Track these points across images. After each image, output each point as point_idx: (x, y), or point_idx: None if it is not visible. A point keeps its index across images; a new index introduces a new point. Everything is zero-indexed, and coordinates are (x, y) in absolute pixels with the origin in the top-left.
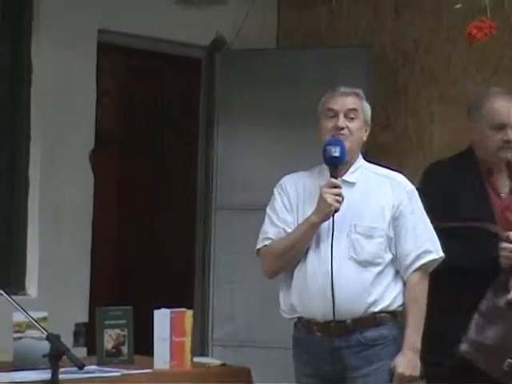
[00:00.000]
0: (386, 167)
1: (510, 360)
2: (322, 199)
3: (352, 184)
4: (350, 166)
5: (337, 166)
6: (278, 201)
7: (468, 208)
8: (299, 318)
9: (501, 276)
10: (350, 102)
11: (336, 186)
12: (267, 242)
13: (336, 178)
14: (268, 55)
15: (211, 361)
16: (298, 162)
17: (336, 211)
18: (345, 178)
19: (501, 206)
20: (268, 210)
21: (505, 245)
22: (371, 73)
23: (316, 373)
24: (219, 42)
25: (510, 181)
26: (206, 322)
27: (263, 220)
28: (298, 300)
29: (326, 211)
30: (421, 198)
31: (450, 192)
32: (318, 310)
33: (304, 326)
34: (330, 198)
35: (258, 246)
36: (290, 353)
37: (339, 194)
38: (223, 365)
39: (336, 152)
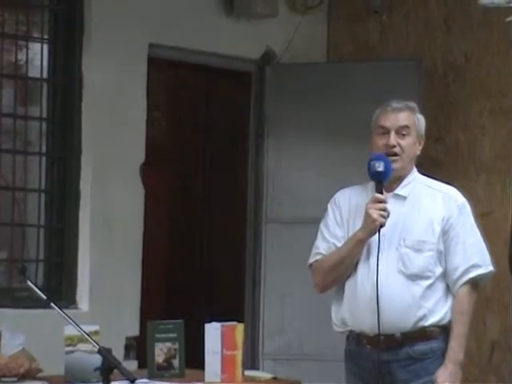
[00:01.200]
0: (439, 180)
1: None
2: (367, 215)
3: (403, 198)
4: (402, 180)
5: (381, 181)
6: (331, 216)
7: None
8: (350, 331)
9: None
10: (402, 118)
11: (381, 201)
12: (318, 257)
13: (381, 192)
14: (318, 69)
15: (262, 374)
16: (347, 176)
17: (382, 226)
18: (396, 191)
19: None
20: (321, 224)
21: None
22: (422, 86)
23: None
24: (269, 56)
25: None
26: (256, 335)
27: (313, 233)
28: (349, 313)
29: (372, 227)
30: None
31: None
32: (367, 322)
33: (354, 339)
34: (375, 214)
35: (310, 261)
36: (341, 366)
37: (384, 209)
38: (274, 378)
39: (380, 167)
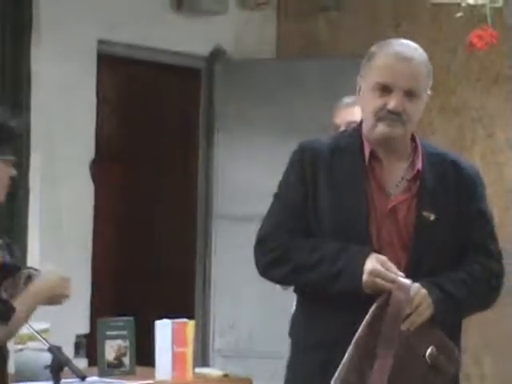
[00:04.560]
0: None
1: None
2: None
3: None
4: None
5: None
6: None
7: (333, 208)
8: None
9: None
10: (351, 113)
11: None
12: None
13: None
14: (267, 65)
15: (213, 371)
16: None
17: None
18: None
19: (384, 207)
20: None
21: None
22: None
23: None
24: (219, 52)
25: (408, 168)
26: (207, 332)
27: None
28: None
29: None
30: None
31: (312, 181)
32: None
33: None
34: None
35: None
36: None
37: None
38: (225, 375)
39: None
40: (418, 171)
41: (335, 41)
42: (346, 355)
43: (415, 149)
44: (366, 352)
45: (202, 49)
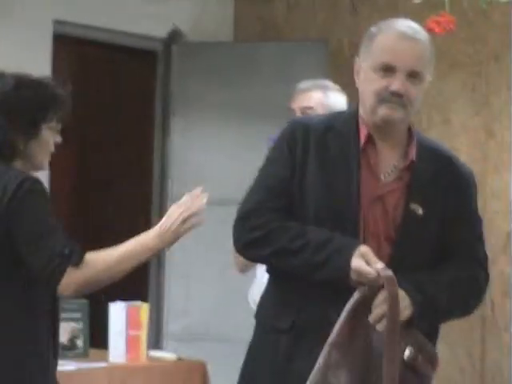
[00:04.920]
0: None
1: None
2: None
3: None
4: None
5: None
6: None
7: (320, 191)
8: None
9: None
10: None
11: None
12: None
13: None
14: (224, 48)
15: (166, 355)
16: (254, 157)
17: None
18: None
19: (373, 193)
20: None
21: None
22: (327, 67)
23: None
24: (176, 34)
25: (402, 158)
26: (160, 315)
27: (219, 214)
28: (256, 293)
29: None
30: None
31: (302, 157)
32: None
33: None
34: None
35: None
36: (244, 346)
37: None
38: (179, 359)
39: None
40: (412, 161)
41: (293, 24)
42: (321, 358)
43: (410, 138)
44: (345, 353)
45: (159, 31)
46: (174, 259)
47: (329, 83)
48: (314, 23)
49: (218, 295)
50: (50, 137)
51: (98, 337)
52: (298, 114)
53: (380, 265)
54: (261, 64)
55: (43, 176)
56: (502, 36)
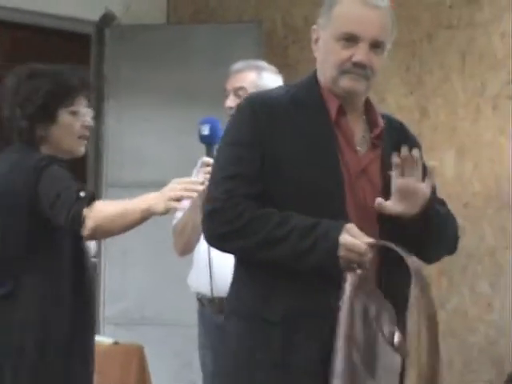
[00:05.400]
0: None
1: None
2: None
3: None
4: None
5: (211, 144)
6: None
7: (300, 167)
8: (197, 293)
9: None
10: (240, 79)
11: (209, 165)
12: (173, 222)
13: (211, 156)
14: (158, 31)
15: (103, 339)
16: (188, 140)
17: None
18: None
19: (356, 166)
20: None
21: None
22: (262, 49)
23: (209, 345)
24: (108, 17)
25: (367, 128)
26: (97, 300)
27: None
28: (193, 276)
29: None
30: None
31: (270, 135)
32: (204, 285)
33: (199, 300)
34: (201, 178)
35: (172, 225)
36: (182, 330)
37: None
38: (115, 343)
39: (205, 130)
40: (382, 130)
41: (226, 6)
42: (339, 353)
43: (369, 106)
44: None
45: (92, 14)
46: (109, 243)
47: (263, 63)
48: (247, 4)
49: (155, 278)
50: (73, 121)
51: None
52: (231, 95)
53: (367, 238)
54: (195, 46)
55: None
56: (434, 16)
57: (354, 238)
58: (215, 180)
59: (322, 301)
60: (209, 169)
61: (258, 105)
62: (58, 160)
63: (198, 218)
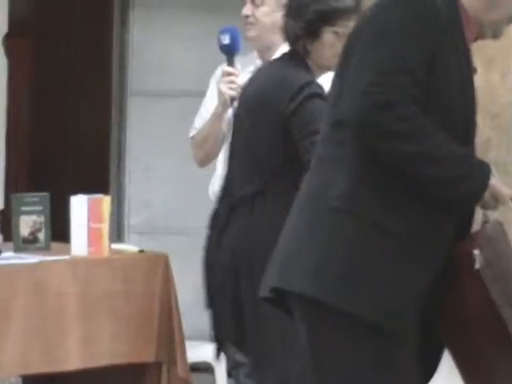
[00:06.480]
0: None
1: None
2: (218, 89)
3: None
4: (272, 50)
5: (232, 54)
6: (209, 90)
7: (454, 89)
8: None
9: None
10: None
11: (230, 74)
12: (194, 133)
13: (232, 65)
14: None
15: (129, 247)
16: (214, 48)
17: (233, 99)
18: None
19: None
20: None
21: None
22: None
23: None
24: None
25: None
26: (122, 208)
27: (177, 106)
28: (215, 186)
29: (222, 100)
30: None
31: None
32: None
33: None
34: (223, 87)
35: (189, 135)
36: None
37: (233, 82)
38: (141, 251)
39: (225, 40)
40: None
41: None
42: None
43: None
44: None
45: None
46: (134, 152)
47: None
48: None
49: (179, 188)
50: (334, 40)
51: (58, 231)
52: (248, 3)
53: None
54: None
55: (3, 70)
56: None
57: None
58: (381, 68)
59: (446, 226)
60: (230, 78)
61: (434, 4)
62: (322, 92)
63: (220, 129)
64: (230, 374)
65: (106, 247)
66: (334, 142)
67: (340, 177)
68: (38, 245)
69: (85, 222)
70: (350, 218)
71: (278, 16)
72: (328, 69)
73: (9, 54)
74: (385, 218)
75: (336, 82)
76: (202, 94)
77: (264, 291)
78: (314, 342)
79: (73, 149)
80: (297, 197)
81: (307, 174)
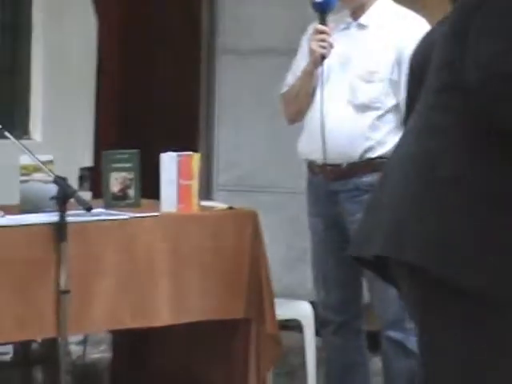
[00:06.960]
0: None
1: None
2: (310, 46)
3: (364, 27)
4: (366, 9)
5: (324, 12)
6: (301, 48)
7: None
8: (307, 161)
9: None
10: None
11: (322, 32)
12: (285, 89)
13: (324, 23)
14: None
15: (218, 204)
16: (307, 6)
17: (324, 57)
18: (360, 20)
19: None
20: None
21: None
22: None
23: (320, 213)
24: None
25: None
26: (211, 166)
27: (268, 64)
28: (304, 142)
29: (313, 58)
30: None
31: None
32: (316, 151)
33: (309, 168)
34: (314, 45)
35: (280, 92)
36: (295, 197)
37: (324, 40)
38: (230, 208)
39: None
40: None
41: None
42: None
43: None
44: None
45: None
46: (223, 110)
47: None
48: None
49: (269, 146)
50: None
51: (148, 188)
52: None
53: None
54: None
55: (91, 27)
56: None
57: None
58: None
59: None
60: (322, 36)
61: None
62: None
63: (311, 86)
64: (318, 332)
65: (196, 204)
66: (440, 108)
67: (450, 146)
68: (128, 201)
69: (174, 178)
70: (465, 188)
71: None
72: None
73: (98, 12)
74: (499, 189)
75: (448, 46)
76: (291, 52)
77: (354, 250)
78: (426, 319)
79: (162, 107)
80: (391, 160)
81: (401, 138)
